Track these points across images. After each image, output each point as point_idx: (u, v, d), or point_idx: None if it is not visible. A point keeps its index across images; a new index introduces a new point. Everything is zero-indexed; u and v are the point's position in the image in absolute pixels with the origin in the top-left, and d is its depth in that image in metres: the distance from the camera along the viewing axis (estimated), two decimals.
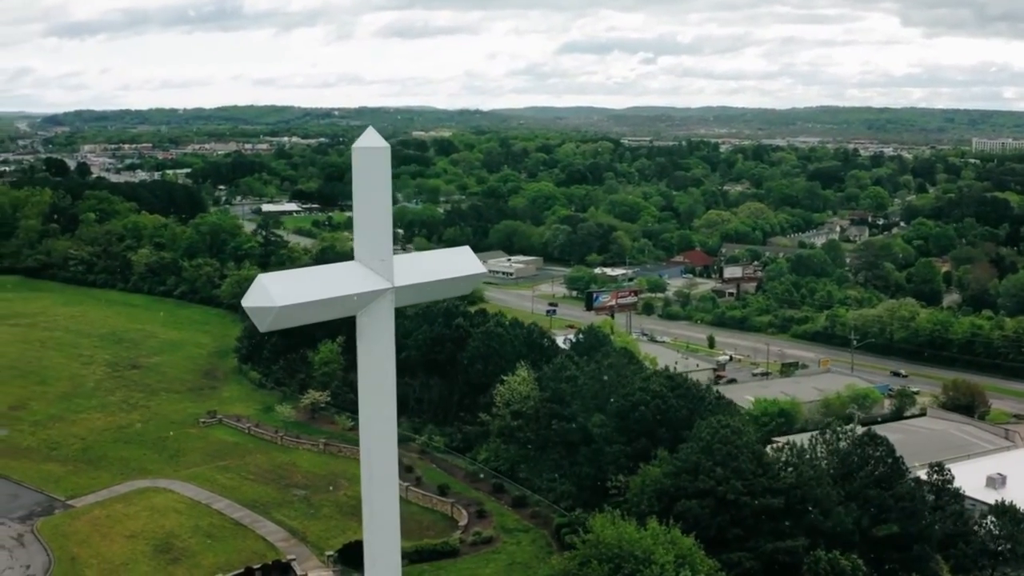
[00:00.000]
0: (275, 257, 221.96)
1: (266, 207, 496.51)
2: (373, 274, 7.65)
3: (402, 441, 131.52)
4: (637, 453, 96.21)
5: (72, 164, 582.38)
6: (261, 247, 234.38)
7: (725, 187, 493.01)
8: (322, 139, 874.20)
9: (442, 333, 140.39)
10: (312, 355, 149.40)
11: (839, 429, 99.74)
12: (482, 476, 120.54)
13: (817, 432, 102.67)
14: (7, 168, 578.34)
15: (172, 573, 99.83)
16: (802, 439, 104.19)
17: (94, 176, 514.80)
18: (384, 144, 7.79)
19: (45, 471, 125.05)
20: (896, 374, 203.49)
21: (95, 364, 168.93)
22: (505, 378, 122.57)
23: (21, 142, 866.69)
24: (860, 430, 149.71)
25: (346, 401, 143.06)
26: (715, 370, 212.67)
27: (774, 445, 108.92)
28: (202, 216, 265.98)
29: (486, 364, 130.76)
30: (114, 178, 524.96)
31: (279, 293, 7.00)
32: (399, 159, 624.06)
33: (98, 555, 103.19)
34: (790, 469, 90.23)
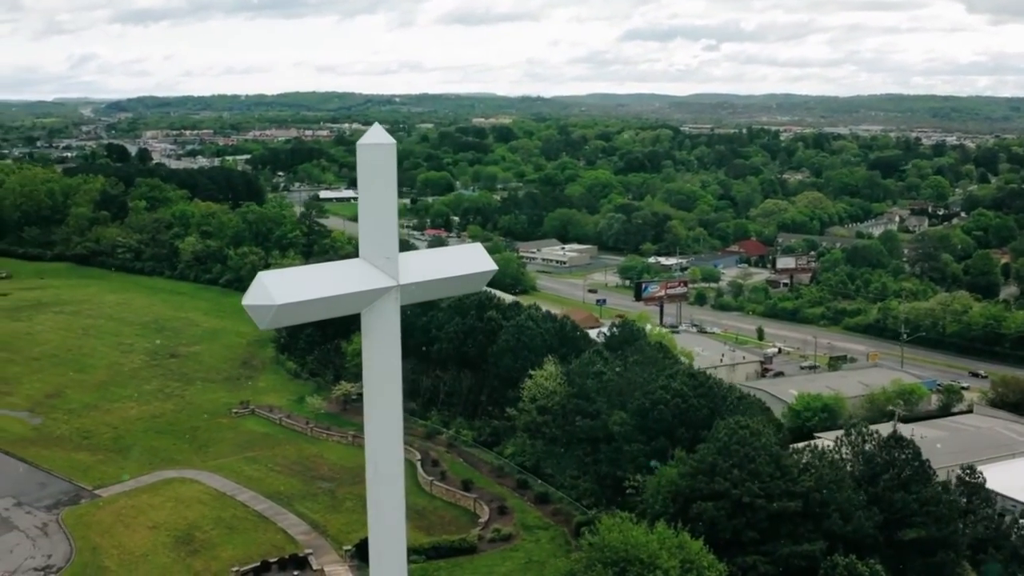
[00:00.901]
0: (318, 246, 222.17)
1: (323, 194, 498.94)
2: (377, 272, 7.68)
3: (431, 435, 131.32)
4: (655, 452, 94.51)
5: (133, 150, 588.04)
6: (305, 236, 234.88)
7: (784, 176, 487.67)
8: (383, 125, 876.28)
9: (474, 326, 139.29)
10: (346, 346, 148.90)
11: (864, 430, 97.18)
12: (507, 471, 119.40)
13: (843, 433, 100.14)
14: (69, 154, 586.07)
15: (190, 565, 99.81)
16: (831, 438, 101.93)
17: (154, 162, 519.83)
18: (390, 141, 7.82)
19: (75, 460, 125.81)
20: (975, 375, 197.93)
21: (135, 352, 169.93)
22: (532, 372, 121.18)
23: (84, 128, 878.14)
24: (901, 427, 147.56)
25: None
26: (762, 363, 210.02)
27: (796, 446, 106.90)
28: (248, 205, 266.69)
29: (515, 358, 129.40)
30: (174, 164, 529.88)
31: (278, 291, 7.06)
32: (457, 146, 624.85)
33: (119, 545, 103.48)
34: (810, 472, 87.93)
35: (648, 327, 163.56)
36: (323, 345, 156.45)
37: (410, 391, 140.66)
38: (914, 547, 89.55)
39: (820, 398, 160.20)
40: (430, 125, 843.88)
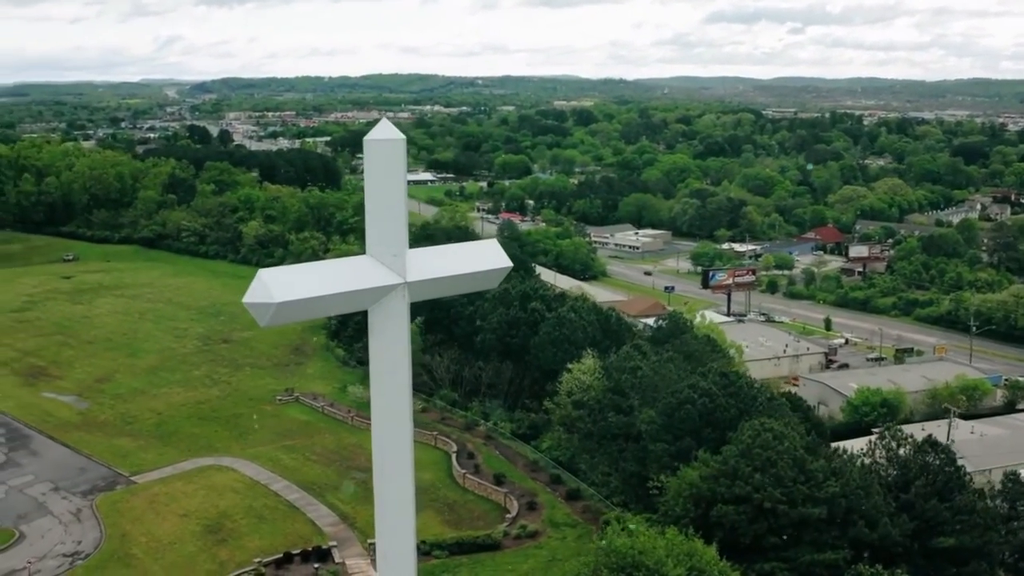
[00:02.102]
0: None
1: None
2: (384, 269, 7.61)
3: (469, 426, 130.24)
4: (680, 452, 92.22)
5: (215, 131, 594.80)
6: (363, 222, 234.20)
7: (866, 161, 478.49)
8: (464, 108, 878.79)
9: (518, 316, 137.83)
10: None
11: (899, 434, 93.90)
12: (542, 466, 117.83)
13: (876, 436, 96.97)
14: (153, 135, 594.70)
15: (216, 555, 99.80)
16: (868, 441, 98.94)
17: (234, 144, 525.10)
18: (399, 136, 7.69)
19: (116, 446, 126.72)
20: None
21: (187, 337, 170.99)
22: (570, 366, 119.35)
23: (169, 109, 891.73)
24: (960, 424, 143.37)
25: (420, 383, 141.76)
26: (827, 354, 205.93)
27: (840, 445, 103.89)
28: (311, 190, 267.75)
29: (556, 350, 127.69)
30: (255, 146, 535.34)
31: (278, 289, 6.98)
32: (536, 129, 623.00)
33: (148, 533, 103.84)
34: (837, 477, 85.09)
35: (698, 319, 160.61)
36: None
37: (452, 381, 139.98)
38: (947, 556, 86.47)
39: (879, 392, 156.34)
40: (511, 108, 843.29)
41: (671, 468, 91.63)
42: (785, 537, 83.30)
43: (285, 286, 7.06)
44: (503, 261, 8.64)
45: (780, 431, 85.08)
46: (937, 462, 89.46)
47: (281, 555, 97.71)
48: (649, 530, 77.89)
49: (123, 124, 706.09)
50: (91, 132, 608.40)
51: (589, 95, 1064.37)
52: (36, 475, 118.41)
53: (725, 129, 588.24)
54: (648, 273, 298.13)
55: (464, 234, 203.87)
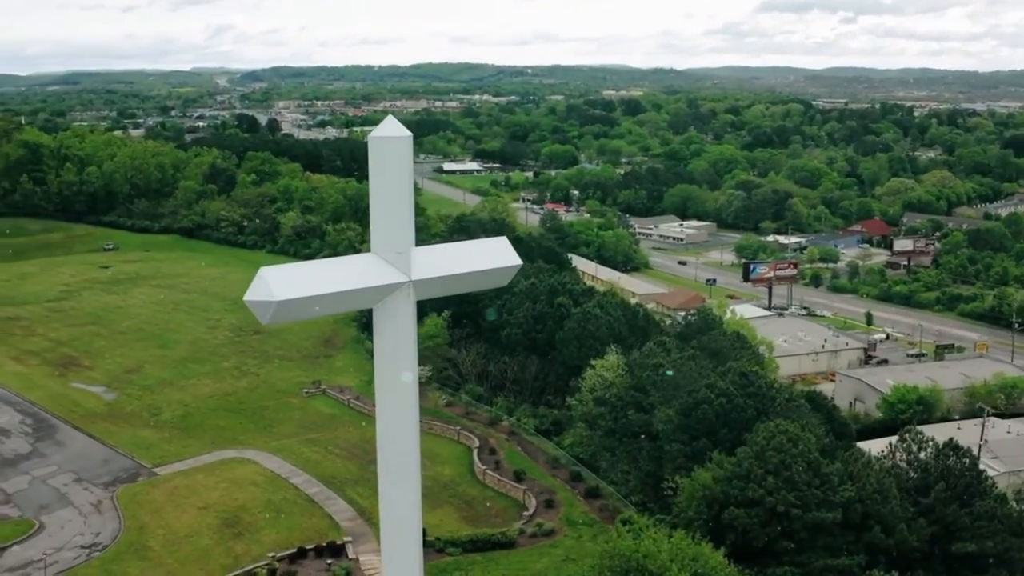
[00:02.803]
0: None
1: (447, 166, 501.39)
2: (388, 267, 7.59)
3: (493, 422, 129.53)
4: (696, 453, 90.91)
5: (264, 120, 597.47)
6: None
7: (915, 153, 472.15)
8: (512, 97, 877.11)
9: (544, 311, 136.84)
10: (418, 328, 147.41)
11: (921, 436, 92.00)
12: (564, 463, 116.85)
13: (896, 439, 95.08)
14: (202, 123, 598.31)
15: (231, 548, 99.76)
16: (888, 443, 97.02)
17: (283, 133, 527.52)
18: (405, 133, 7.72)
19: (141, 437, 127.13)
20: None
21: (219, 328, 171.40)
22: (593, 362, 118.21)
23: (219, 98, 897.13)
24: (996, 424, 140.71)
25: (446, 377, 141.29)
26: (866, 350, 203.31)
27: (863, 445, 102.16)
28: (348, 180, 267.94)
29: (580, 346, 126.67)
30: (303, 135, 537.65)
31: (279, 287, 6.97)
32: (584, 119, 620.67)
33: (166, 525, 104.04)
34: (853, 481, 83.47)
35: (728, 315, 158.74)
36: None
37: (479, 375, 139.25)
38: (966, 562, 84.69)
39: (916, 390, 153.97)
40: (560, 97, 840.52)
41: (686, 469, 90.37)
42: (798, 542, 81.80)
43: (286, 284, 7.07)
44: (512, 259, 8.59)
45: (795, 434, 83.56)
46: (959, 466, 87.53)
47: (295, 550, 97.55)
48: (657, 532, 76.74)
49: (173, 113, 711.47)
50: (141, 121, 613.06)
51: (639, 85, 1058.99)
52: (60, 466, 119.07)
53: (774, 120, 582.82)
54: (683, 263, 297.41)
55: (500, 227, 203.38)
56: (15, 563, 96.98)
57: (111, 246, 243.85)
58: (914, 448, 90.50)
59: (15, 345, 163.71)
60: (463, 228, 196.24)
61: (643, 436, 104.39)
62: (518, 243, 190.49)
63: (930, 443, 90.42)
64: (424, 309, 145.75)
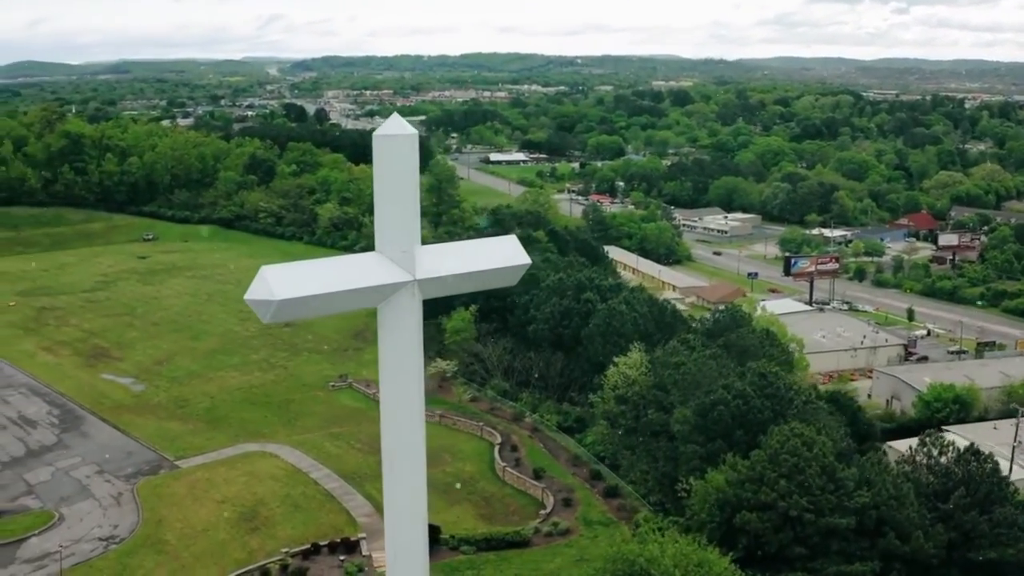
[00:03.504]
0: (446, 216, 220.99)
1: (494, 156, 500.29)
2: (392, 266, 7.54)
3: (517, 418, 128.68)
4: (711, 455, 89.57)
5: (312, 110, 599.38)
6: (435, 205, 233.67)
7: (965, 146, 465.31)
8: (561, 87, 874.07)
9: (570, 307, 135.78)
10: (445, 322, 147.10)
11: (942, 441, 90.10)
12: (584, 461, 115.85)
13: (918, 443, 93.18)
14: (251, 112, 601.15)
15: (246, 543, 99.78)
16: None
17: (330, 122, 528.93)
18: (411, 131, 7.59)
19: (165, 429, 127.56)
20: None
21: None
22: (616, 360, 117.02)
23: (269, 87, 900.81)
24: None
25: (472, 371, 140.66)
26: (906, 346, 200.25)
27: (892, 445, 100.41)
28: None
29: (604, 342, 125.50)
30: (351, 124, 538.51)
31: (279, 286, 6.93)
32: (632, 109, 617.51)
33: (184, 519, 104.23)
34: (868, 487, 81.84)
35: (758, 311, 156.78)
36: (429, 319, 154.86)
37: (505, 371, 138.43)
38: (985, 570, 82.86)
39: (953, 388, 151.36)
40: (609, 87, 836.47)
41: (700, 471, 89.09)
42: (811, 547, 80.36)
43: (287, 283, 6.99)
44: (521, 258, 8.50)
45: (810, 437, 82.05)
46: (980, 471, 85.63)
47: (309, 546, 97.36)
48: (663, 537, 75.68)
49: (223, 102, 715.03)
50: (190, 110, 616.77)
51: (688, 75, 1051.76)
52: (83, 457, 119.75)
53: (823, 111, 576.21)
54: (718, 253, 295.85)
55: (537, 219, 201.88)
56: (33, 555, 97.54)
57: (151, 236, 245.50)
58: (935, 452, 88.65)
59: (48, 335, 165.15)
60: (498, 221, 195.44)
61: (662, 436, 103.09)
62: (553, 236, 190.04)
63: (951, 447, 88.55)
64: (452, 303, 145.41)
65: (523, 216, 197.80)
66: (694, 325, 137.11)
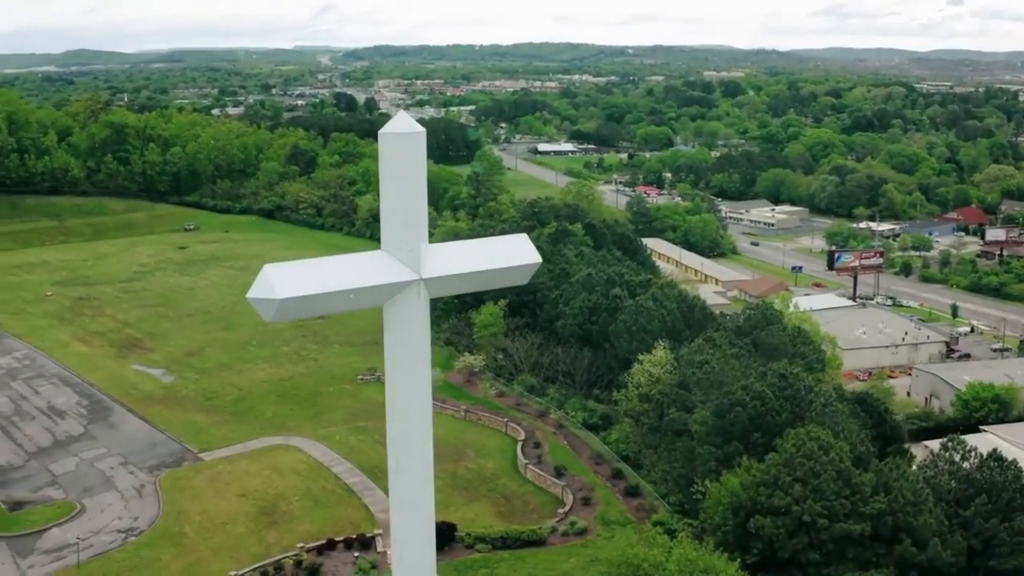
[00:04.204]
0: (483, 209, 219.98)
1: (542, 146, 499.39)
2: (398, 265, 7.48)
3: (542, 414, 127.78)
4: (727, 457, 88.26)
5: (362, 99, 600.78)
6: (472, 198, 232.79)
7: (1018, 139, 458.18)
8: (612, 77, 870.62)
9: (598, 303, 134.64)
10: (475, 316, 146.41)
11: (964, 447, 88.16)
12: (607, 459, 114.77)
13: (940, 448, 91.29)
14: (301, 101, 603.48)
15: (264, 537, 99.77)
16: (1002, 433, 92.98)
17: (380, 112, 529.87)
18: (418, 129, 7.54)
19: (192, 421, 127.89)
20: None
21: None
22: (641, 357, 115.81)
23: (320, 76, 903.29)
24: None
25: (500, 366, 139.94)
26: (947, 343, 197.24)
27: (934, 444, 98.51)
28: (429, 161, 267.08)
29: (631, 339, 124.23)
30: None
31: (282, 285, 6.90)
32: (682, 100, 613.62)
33: (203, 512, 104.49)
34: (885, 492, 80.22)
35: (791, 308, 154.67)
36: (460, 313, 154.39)
37: (532, 366, 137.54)
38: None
39: (991, 388, 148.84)
40: (660, 78, 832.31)
41: (716, 473, 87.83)
42: (825, 553, 78.96)
43: (290, 282, 6.94)
44: (531, 257, 8.36)
45: (827, 441, 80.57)
46: (1002, 478, 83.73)
47: (324, 541, 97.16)
48: (673, 539, 74.66)
49: (274, 91, 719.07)
50: (241, 99, 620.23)
51: (740, 66, 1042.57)
52: (109, 448, 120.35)
53: (875, 103, 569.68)
54: (755, 244, 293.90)
55: (575, 212, 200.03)
56: (52, 545, 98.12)
57: (192, 226, 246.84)
58: (956, 458, 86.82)
59: (83, 326, 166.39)
60: (535, 214, 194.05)
61: (684, 435, 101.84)
62: (590, 230, 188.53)
63: (974, 453, 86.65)
64: (481, 298, 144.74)
65: (560, 209, 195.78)
66: (724, 322, 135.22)
